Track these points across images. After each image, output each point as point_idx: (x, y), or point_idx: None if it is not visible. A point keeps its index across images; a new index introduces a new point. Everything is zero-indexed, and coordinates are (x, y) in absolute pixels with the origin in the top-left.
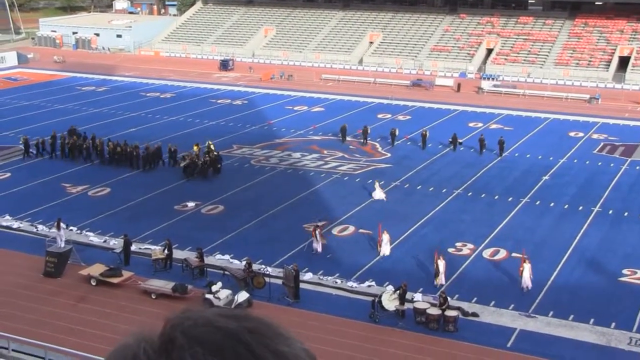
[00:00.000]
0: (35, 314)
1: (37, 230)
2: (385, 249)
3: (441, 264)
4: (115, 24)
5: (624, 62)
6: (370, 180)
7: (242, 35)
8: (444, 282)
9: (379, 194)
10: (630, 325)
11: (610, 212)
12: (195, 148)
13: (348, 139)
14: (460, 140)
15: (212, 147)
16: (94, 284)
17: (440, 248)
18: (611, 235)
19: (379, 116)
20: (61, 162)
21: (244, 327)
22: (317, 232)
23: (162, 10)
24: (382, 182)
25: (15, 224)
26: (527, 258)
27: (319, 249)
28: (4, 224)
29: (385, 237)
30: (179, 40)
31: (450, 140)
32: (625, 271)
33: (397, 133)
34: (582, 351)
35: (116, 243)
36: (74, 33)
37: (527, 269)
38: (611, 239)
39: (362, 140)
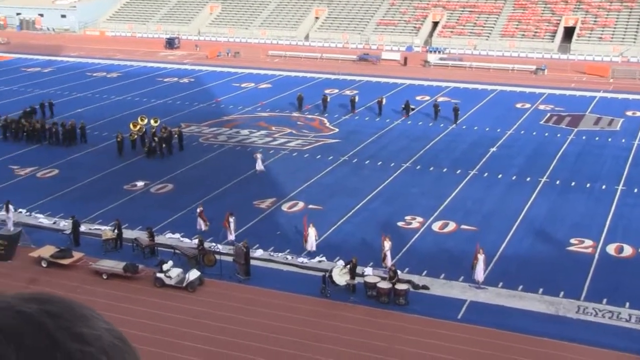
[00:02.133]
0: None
1: None
2: (311, 244)
3: (387, 244)
4: (60, 4)
5: (569, 32)
6: (257, 154)
7: (187, 12)
8: (389, 264)
9: (259, 165)
10: (578, 294)
11: (558, 182)
12: (132, 126)
13: (295, 114)
14: (413, 106)
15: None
16: (44, 265)
17: (386, 229)
18: (559, 205)
19: (327, 91)
20: (8, 144)
21: (45, 311)
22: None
23: None
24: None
25: None
26: (481, 249)
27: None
28: None
29: (312, 231)
30: (125, 20)
31: (403, 107)
32: (573, 240)
33: (356, 100)
34: (532, 320)
35: (66, 224)
36: (17, 14)
37: (481, 261)
38: (559, 209)
39: (321, 110)
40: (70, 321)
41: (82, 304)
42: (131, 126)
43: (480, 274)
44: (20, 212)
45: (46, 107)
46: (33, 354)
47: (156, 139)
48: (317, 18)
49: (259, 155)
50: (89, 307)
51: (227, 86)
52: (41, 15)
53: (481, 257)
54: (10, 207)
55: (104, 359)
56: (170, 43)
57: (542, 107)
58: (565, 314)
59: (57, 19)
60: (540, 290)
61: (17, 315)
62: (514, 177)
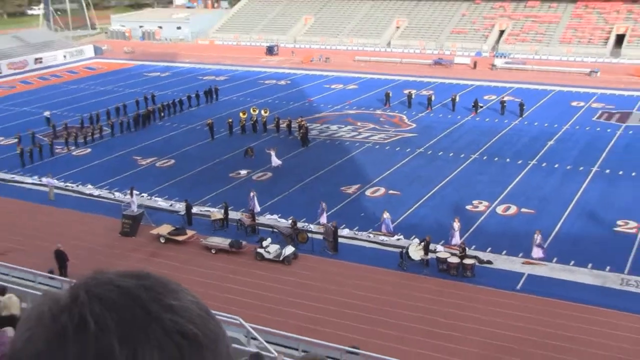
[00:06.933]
0: (115, 268)
1: (114, 196)
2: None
3: (456, 225)
4: (176, 17)
5: (620, 39)
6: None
7: (285, 23)
8: (458, 241)
9: (275, 160)
10: (622, 268)
11: (607, 171)
12: (241, 114)
13: (378, 111)
14: (481, 105)
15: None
16: (162, 241)
17: (456, 212)
18: (608, 191)
19: (405, 92)
20: (132, 138)
21: (141, 285)
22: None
23: (216, 4)
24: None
25: (96, 192)
26: (538, 231)
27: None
28: (87, 192)
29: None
30: (231, 30)
31: (473, 105)
32: (619, 222)
33: (432, 98)
34: (581, 291)
35: (180, 207)
36: (140, 26)
37: (538, 241)
38: (607, 195)
39: (407, 105)
40: (163, 294)
41: (172, 280)
42: (240, 114)
43: (538, 252)
44: (143, 196)
45: (213, 91)
46: (130, 322)
47: (300, 133)
48: (397, 27)
49: (272, 152)
50: (178, 282)
51: (318, 87)
52: (160, 27)
53: (538, 238)
54: (134, 192)
55: (191, 327)
56: (270, 50)
57: (594, 105)
58: (611, 285)
59: (174, 30)
60: (589, 265)
61: (116, 289)
62: (568, 167)
